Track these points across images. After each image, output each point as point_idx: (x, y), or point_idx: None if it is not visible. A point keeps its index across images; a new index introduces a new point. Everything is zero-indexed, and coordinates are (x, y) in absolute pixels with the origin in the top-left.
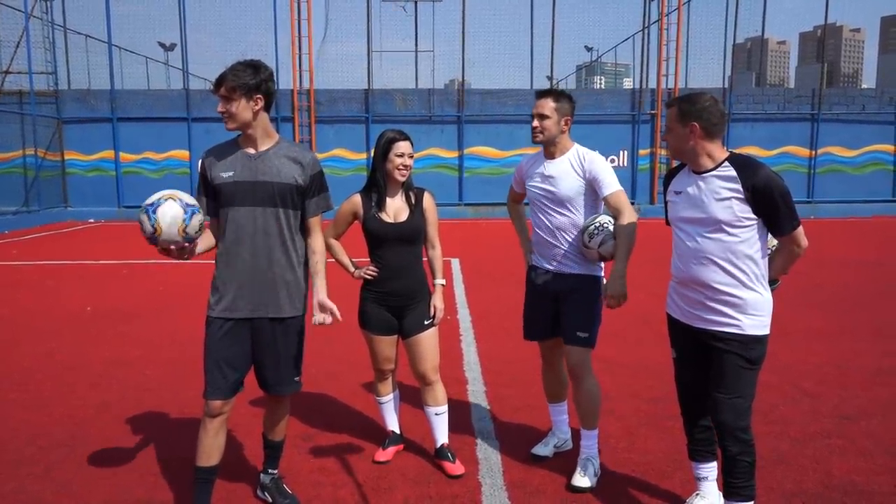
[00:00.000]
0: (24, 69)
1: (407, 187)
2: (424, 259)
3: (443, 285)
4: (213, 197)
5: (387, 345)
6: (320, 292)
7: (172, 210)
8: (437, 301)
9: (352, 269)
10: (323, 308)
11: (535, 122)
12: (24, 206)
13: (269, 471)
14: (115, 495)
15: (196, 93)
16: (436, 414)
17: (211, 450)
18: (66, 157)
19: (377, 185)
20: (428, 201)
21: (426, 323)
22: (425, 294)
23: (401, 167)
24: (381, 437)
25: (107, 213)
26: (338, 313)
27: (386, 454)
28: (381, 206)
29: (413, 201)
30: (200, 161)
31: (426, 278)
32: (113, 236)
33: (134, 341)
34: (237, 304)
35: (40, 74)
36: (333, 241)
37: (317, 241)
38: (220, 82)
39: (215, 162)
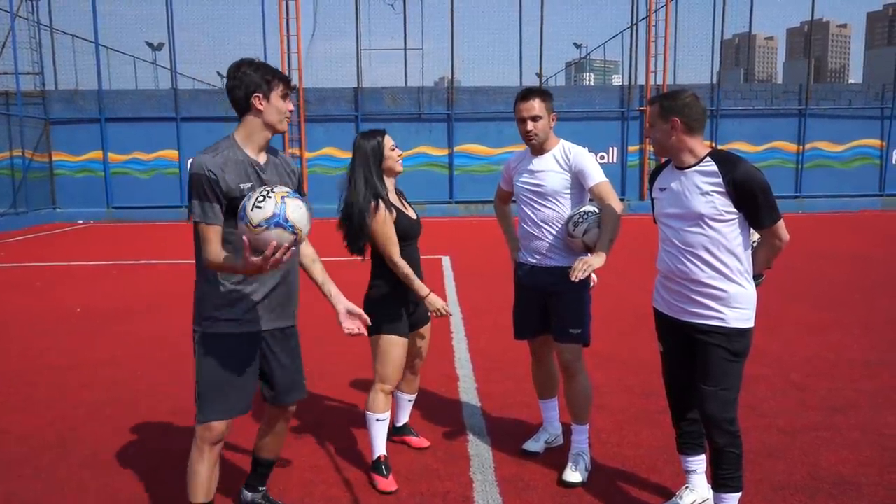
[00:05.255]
0: (11, 70)
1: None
2: None
3: None
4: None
5: (406, 346)
6: (342, 300)
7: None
8: None
9: (425, 293)
10: (352, 315)
11: (529, 126)
12: (11, 208)
13: (260, 489)
14: (108, 496)
15: (185, 92)
16: (408, 400)
17: (210, 482)
18: (54, 158)
19: (376, 188)
20: None
21: (429, 314)
22: None
23: (398, 158)
24: None
25: (96, 213)
26: (367, 319)
27: (390, 483)
28: (393, 204)
29: (405, 198)
30: (205, 163)
31: None
32: (102, 237)
33: (125, 341)
34: (260, 316)
35: (27, 75)
36: (402, 261)
37: (310, 248)
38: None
39: (226, 168)
